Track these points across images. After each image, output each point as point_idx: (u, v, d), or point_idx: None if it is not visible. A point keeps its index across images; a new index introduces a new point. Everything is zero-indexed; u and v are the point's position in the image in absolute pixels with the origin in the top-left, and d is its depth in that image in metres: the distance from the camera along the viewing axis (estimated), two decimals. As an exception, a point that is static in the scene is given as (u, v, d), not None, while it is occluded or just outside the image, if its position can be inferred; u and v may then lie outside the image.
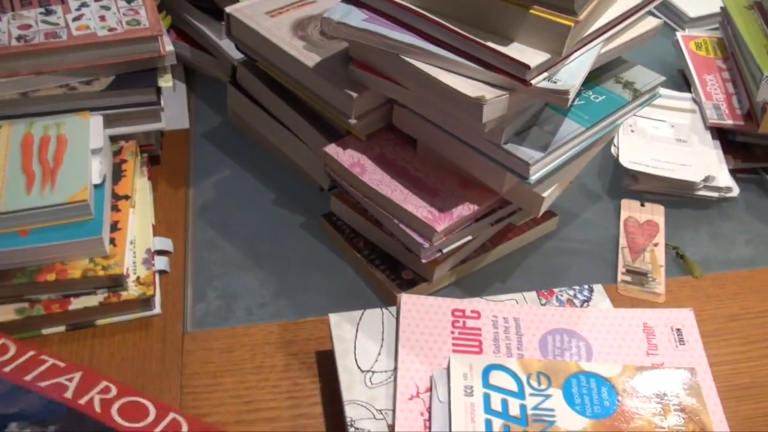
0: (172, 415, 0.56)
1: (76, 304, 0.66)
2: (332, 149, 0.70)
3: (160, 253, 0.73)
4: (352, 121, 0.69)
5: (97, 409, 0.56)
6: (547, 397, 0.54)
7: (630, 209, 0.82)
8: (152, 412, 0.56)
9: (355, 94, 0.68)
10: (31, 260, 0.66)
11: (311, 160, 0.79)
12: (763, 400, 0.65)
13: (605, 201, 0.84)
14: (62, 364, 0.60)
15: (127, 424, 0.55)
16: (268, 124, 0.82)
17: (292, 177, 0.84)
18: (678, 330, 0.61)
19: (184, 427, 0.55)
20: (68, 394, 0.57)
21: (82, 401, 0.56)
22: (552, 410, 0.53)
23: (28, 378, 0.58)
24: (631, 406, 0.54)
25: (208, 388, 0.63)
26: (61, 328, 0.67)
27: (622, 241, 0.78)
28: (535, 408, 0.53)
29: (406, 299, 0.62)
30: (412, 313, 0.61)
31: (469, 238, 0.69)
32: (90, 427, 0.54)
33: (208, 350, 0.66)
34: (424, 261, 0.66)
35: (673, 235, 0.80)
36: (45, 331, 0.67)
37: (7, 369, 0.59)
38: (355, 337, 0.61)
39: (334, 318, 0.62)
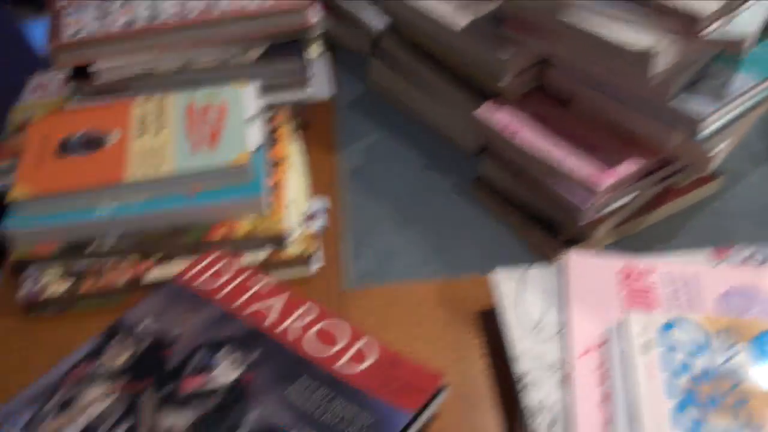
0: (364, 340, 0.58)
1: (242, 260, 0.68)
2: (483, 112, 0.69)
3: (316, 214, 0.74)
4: (504, 82, 0.68)
5: (290, 337, 0.58)
6: (734, 354, 0.51)
7: (802, 169, 0.76)
8: (345, 333, 0.58)
9: (506, 56, 0.67)
10: (199, 220, 0.68)
11: (459, 126, 0.78)
12: None
13: (772, 161, 0.79)
14: (272, 286, 0.63)
15: (317, 355, 0.56)
16: (413, 91, 0.82)
17: (439, 142, 0.83)
18: None
19: (374, 354, 0.57)
20: (268, 321, 0.59)
21: (279, 329, 0.59)
22: (740, 368, 0.50)
23: (235, 304, 0.61)
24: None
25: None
26: (227, 285, 0.69)
27: (795, 202, 0.73)
28: (722, 365, 0.51)
29: (573, 256, 0.60)
30: (580, 269, 0.59)
31: (631, 197, 0.66)
32: (286, 355, 0.57)
33: (367, 307, 0.67)
34: (583, 223, 0.64)
35: None
36: (213, 287, 0.69)
37: (218, 296, 0.62)
38: (521, 293, 0.60)
39: (497, 274, 0.62)
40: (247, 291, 0.62)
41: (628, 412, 0.49)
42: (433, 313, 0.66)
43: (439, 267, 0.70)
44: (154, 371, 0.57)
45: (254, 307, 0.61)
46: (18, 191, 0.67)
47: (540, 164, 0.66)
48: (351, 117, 0.89)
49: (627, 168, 0.63)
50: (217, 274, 0.64)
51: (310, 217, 0.72)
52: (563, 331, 0.56)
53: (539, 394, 0.53)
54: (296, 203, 0.73)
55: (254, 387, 0.54)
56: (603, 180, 0.62)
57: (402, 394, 0.53)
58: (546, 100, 0.71)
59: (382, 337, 0.64)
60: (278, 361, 0.56)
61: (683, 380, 0.50)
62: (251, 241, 0.68)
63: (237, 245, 0.68)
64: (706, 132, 0.61)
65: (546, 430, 0.51)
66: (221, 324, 0.59)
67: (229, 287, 0.63)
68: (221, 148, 0.69)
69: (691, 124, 0.61)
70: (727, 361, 0.51)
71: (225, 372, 0.56)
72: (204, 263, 0.65)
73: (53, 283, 0.67)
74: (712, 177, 0.74)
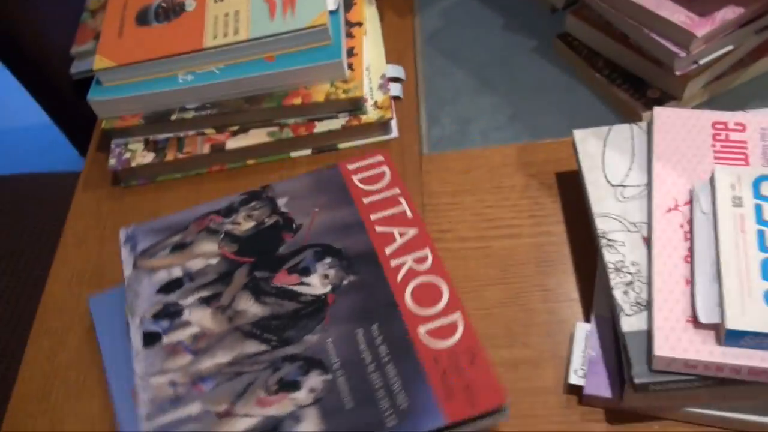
0: (457, 314, 0.52)
1: (321, 127, 0.68)
2: (573, -42, 0.65)
3: (394, 80, 0.73)
4: None
5: (399, 278, 0.54)
6: (831, 210, 0.49)
7: None
8: (444, 299, 0.53)
9: None
10: (278, 85, 0.68)
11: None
12: None
13: None
14: (409, 215, 0.58)
15: (408, 309, 0.53)
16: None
17: (520, 1, 0.79)
18: None
19: (457, 335, 0.51)
20: (389, 249, 0.56)
21: (393, 263, 0.55)
22: (838, 222, 0.48)
23: (374, 217, 0.58)
24: None
25: (448, 206, 0.64)
26: (308, 151, 0.70)
27: None
28: (816, 220, 0.48)
29: (660, 111, 0.57)
30: (668, 125, 0.57)
31: (730, 48, 0.62)
32: (381, 293, 0.54)
33: (446, 171, 0.67)
34: (678, 73, 0.61)
35: None
36: (293, 154, 0.70)
37: (364, 200, 0.59)
38: (603, 152, 0.58)
39: (579, 134, 0.60)
40: (390, 208, 0.58)
41: (715, 268, 0.48)
42: (511, 178, 0.65)
43: (518, 132, 0.69)
44: (263, 251, 0.57)
45: (386, 228, 0.57)
46: (101, 62, 0.68)
47: (632, 12, 0.62)
48: (429, -22, 0.85)
49: (728, 13, 0.59)
50: (375, 179, 0.61)
51: (388, 83, 0.71)
52: (649, 188, 0.55)
53: (620, 252, 0.52)
54: (374, 68, 0.72)
55: (332, 310, 0.53)
56: (701, 26, 0.58)
57: (454, 397, 0.48)
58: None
59: (460, 202, 0.64)
60: (369, 296, 0.54)
61: (774, 236, 0.48)
62: (330, 106, 0.68)
63: (316, 110, 0.69)
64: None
65: (623, 288, 0.50)
66: (348, 232, 0.57)
67: (377, 197, 0.59)
68: (299, 10, 0.68)
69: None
70: (823, 216, 0.48)
71: (316, 283, 0.55)
72: (368, 161, 0.62)
73: (139, 154, 0.70)
74: (821, 27, 0.68)
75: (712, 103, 0.67)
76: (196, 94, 0.68)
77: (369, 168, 0.62)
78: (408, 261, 0.55)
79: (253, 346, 0.52)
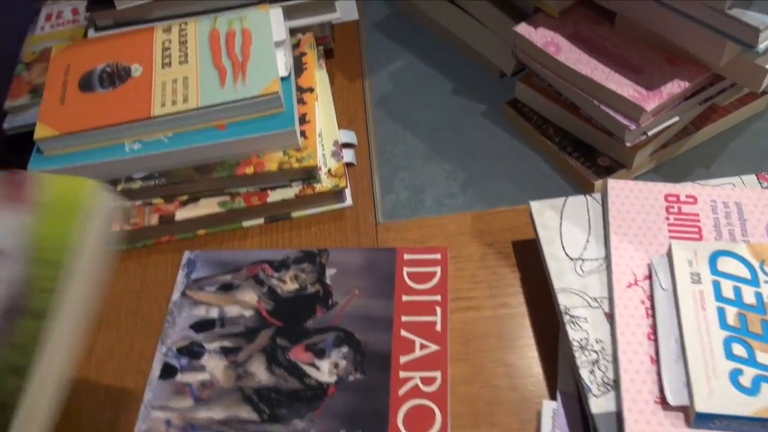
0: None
1: (274, 196, 0.67)
2: (524, 29, 0.66)
3: (346, 145, 0.73)
4: (547, -3, 0.65)
5: (401, 392, 0.54)
6: (785, 284, 0.50)
7: None
8: (435, 429, 0.52)
9: (550, -32, 0.63)
10: (229, 154, 0.67)
11: (492, 45, 0.75)
12: None
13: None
14: (438, 329, 0.57)
15: (402, 428, 0.52)
16: (445, 10, 0.78)
17: (469, 65, 0.80)
18: None
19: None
20: (405, 359, 0.55)
21: (402, 375, 0.54)
22: (791, 298, 0.49)
23: (405, 318, 0.58)
24: None
25: (406, 277, 0.63)
26: (260, 221, 0.69)
27: (844, 120, 0.70)
28: (771, 296, 0.50)
29: (614, 184, 0.58)
30: (621, 198, 0.58)
31: (676, 119, 0.64)
32: (378, 403, 0.53)
33: (402, 240, 0.66)
34: (629, 144, 0.62)
35: None
36: (246, 224, 0.69)
37: (405, 297, 0.59)
38: (560, 225, 0.58)
39: (535, 205, 0.60)
40: (424, 315, 0.58)
41: (678, 345, 0.48)
42: (468, 248, 0.65)
43: (471, 199, 0.69)
44: (293, 318, 0.58)
45: (411, 336, 0.56)
46: (42, 130, 0.65)
47: (582, 84, 0.63)
48: (378, 40, 0.86)
49: (674, 87, 0.61)
50: (425, 277, 0.60)
51: (341, 149, 0.70)
52: (608, 262, 0.55)
53: (583, 329, 0.52)
54: (326, 134, 0.71)
55: (327, 403, 0.53)
56: (650, 100, 0.60)
57: None
58: (589, 16, 0.68)
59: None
60: (366, 401, 0.53)
61: (733, 312, 0.49)
62: (283, 176, 0.67)
63: (269, 179, 0.67)
64: (765, 44, 0.58)
65: (589, 367, 0.50)
66: (375, 326, 0.57)
67: (417, 298, 0.59)
68: (250, 77, 0.67)
69: (749, 36, 0.57)
70: (777, 292, 0.50)
71: (325, 369, 0.55)
72: (426, 256, 0.61)
73: (85, 222, 0.67)
74: (755, 95, 0.71)
75: (659, 169, 0.69)
76: (143, 164, 0.66)
77: (424, 264, 0.61)
78: (416, 378, 0.54)
79: (246, 412, 0.53)
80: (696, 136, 0.69)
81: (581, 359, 0.51)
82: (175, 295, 0.61)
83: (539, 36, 0.66)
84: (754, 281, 0.50)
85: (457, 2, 0.77)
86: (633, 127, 0.60)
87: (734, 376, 0.46)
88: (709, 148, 0.70)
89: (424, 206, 0.69)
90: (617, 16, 0.66)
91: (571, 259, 0.56)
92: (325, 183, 0.67)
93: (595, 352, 0.51)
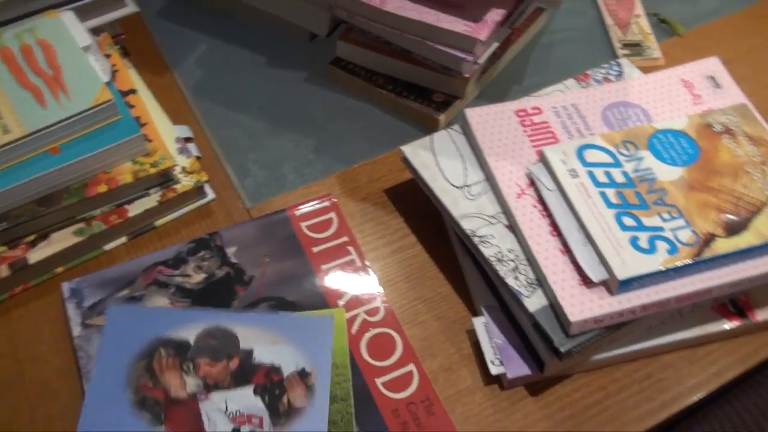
0: (411, 366, 0.55)
1: (135, 209, 0.63)
2: (342, -13, 0.68)
3: (187, 141, 0.69)
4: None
5: (354, 330, 0.56)
6: (640, 159, 0.59)
7: (602, -11, 0.85)
8: (398, 351, 0.55)
9: None
10: (73, 177, 0.61)
11: (301, 11, 0.75)
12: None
13: (575, -12, 0.87)
14: (359, 264, 0.60)
15: (370, 360, 0.54)
16: (239, -16, 0.77)
17: (272, 36, 0.80)
18: (711, 77, 0.67)
19: (415, 381, 0.54)
20: (341, 302, 0.57)
21: (347, 316, 0.56)
22: (649, 169, 0.58)
23: (323, 267, 0.59)
24: (709, 147, 0.60)
25: (300, 251, 0.63)
26: (123, 240, 0.64)
27: (608, 20, 0.82)
28: (635, 171, 0.58)
29: (471, 113, 0.63)
30: (482, 123, 0.63)
31: (496, 44, 0.70)
32: None
33: (281, 218, 0.65)
34: (467, 75, 0.67)
35: (648, 3, 0.84)
36: (108, 247, 0.63)
37: (314, 249, 0.59)
38: (436, 161, 0.62)
39: (408, 149, 0.63)
40: (340, 258, 0.59)
41: (580, 232, 0.55)
42: (346, 207, 0.66)
43: (329, 162, 0.70)
44: (217, 306, 0.56)
45: (337, 279, 0.57)
46: None
47: (413, 29, 0.67)
48: (169, 29, 0.82)
49: (495, 16, 0.66)
50: (323, 226, 0.60)
51: (185, 144, 0.67)
52: (491, 182, 0.60)
53: (493, 245, 0.56)
54: (165, 134, 0.67)
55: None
56: (481, 31, 0.65)
57: None
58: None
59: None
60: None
61: (612, 192, 0.56)
62: (139, 185, 0.63)
63: (125, 193, 0.62)
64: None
65: (512, 274, 0.55)
66: (300, 283, 0.57)
67: (327, 245, 0.60)
68: (73, 91, 0.61)
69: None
70: (637, 167, 0.58)
71: None
72: (315, 205, 0.62)
73: None
74: (539, 12, 0.80)
75: (483, 95, 0.75)
76: (-24, 212, 0.58)
77: (317, 214, 0.62)
78: (361, 312, 0.55)
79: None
80: (504, 59, 0.77)
81: (503, 270, 0.55)
82: (76, 330, 0.56)
83: (360, -10, 0.68)
84: (617, 163, 0.58)
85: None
86: (469, 58, 0.65)
87: (634, 242, 0.53)
88: (515, 66, 0.78)
89: (287, 180, 0.69)
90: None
91: (458, 187, 0.60)
92: (186, 181, 0.64)
93: (512, 260, 0.56)
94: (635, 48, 0.79)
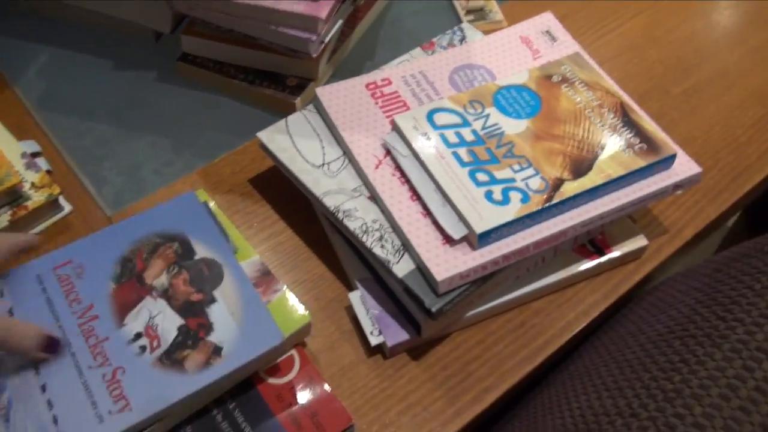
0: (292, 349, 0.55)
1: (-17, 232, 0.59)
2: (176, -19, 0.66)
3: (35, 155, 0.66)
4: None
5: None
6: (487, 116, 0.60)
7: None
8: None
9: None
10: None
11: (141, 10, 0.73)
12: (611, 71, 0.77)
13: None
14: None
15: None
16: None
17: (116, 39, 0.78)
18: (547, 32, 0.70)
19: (297, 364, 0.54)
20: None
21: None
22: (496, 124, 0.60)
23: None
24: (549, 97, 0.62)
25: (168, 253, 0.62)
26: (-24, 267, 0.60)
27: (451, -11, 0.84)
28: (483, 128, 0.60)
29: (322, 91, 0.63)
30: (334, 100, 0.63)
31: (341, 22, 0.70)
32: None
33: (144, 221, 0.64)
34: (314, 55, 0.67)
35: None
36: (-40, 276, 0.60)
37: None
38: (293, 143, 0.62)
39: (263, 135, 0.63)
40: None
41: (438, 194, 0.56)
42: (211, 202, 0.65)
43: (189, 159, 0.69)
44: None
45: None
46: None
47: (254, 13, 0.66)
48: (1, 46, 0.78)
49: (333, -5, 0.67)
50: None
51: (32, 159, 0.64)
52: (349, 156, 0.61)
53: (358, 218, 0.57)
54: (9, 151, 0.64)
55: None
56: (321, 9, 0.65)
57: (304, 428, 0.50)
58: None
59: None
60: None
61: (464, 151, 0.58)
62: (-15, 207, 0.59)
63: (-32, 218, 0.59)
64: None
65: (379, 243, 0.56)
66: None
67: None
68: None
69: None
70: (485, 124, 0.60)
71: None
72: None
73: None
74: (383, -11, 0.81)
75: (337, 74, 0.76)
76: None
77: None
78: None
79: None
80: (353, 37, 0.77)
81: (369, 241, 0.56)
82: None
83: (194, -17, 0.66)
84: (466, 123, 0.60)
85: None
86: (314, 38, 0.66)
87: (488, 196, 0.55)
88: (365, 43, 0.79)
89: (147, 183, 0.67)
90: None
91: (317, 166, 0.61)
92: (37, 197, 0.62)
93: (377, 230, 0.56)
94: (479, 13, 0.81)
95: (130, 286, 0.53)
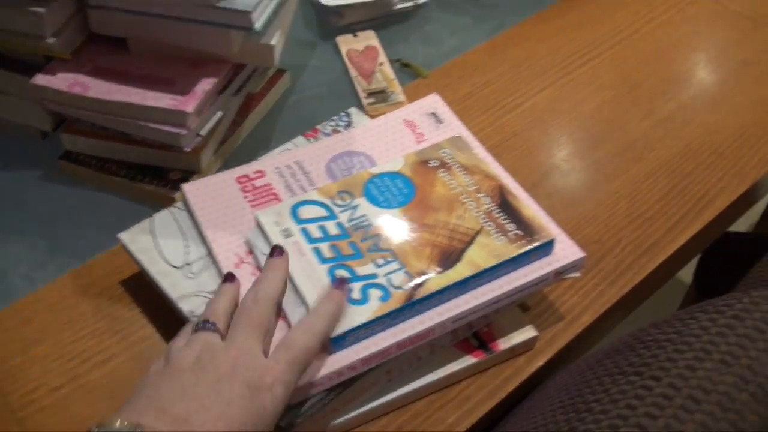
0: None
1: None
2: (42, 79, 0.65)
3: None
4: (50, 40, 0.64)
5: None
6: (355, 207, 0.57)
7: (346, 43, 0.86)
8: None
9: (42, 9, 0.62)
10: None
11: (21, 109, 0.71)
12: (516, 148, 0.74)
13: (322, 45, 0.87)
14: None
15: None
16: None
17: (3, 136, 0.75)
18: (433, 113, 0.67)
19: None
20: None
21: None
22: (363, 216, 0.57)
23: None
24: (424, 183, 0.59)
25: (23, 365, 0.58)
26: None
27: (353, 72, 0.82)
28: (349, 220, 0.56)
29: (188, 187, 0.61)
30: (200, 196, 0.60)
31: (220, 113, 0.68)
32: None
33: (3, 332, 0.60)
34: (188, 150, 0.65)
35: (391, 50, 0.85)
36: None
37: None
38: (155, 243, 0.59)
39: (125, 236, 0.60)
40: None
41: (296, 295, 0.52)
42: (78, 308, 0.61)
43: (64, 261, 0.65)
44: None
45: None
46: None
47: (122, 112, 0.64)
48: None
49: (205, 85, 0.65)
50: None
51: None
52: (211, 256, 0.57)
53: (213, 321, 0.53)
54: None
55: None
56: (188, 103, 0.63)
57: None
58: (103, 49, 0.68)
59: (35, 355, 0.59)
60: None
61: (326, 246, 0.54)
62: None
63: None
64: (260, 22, 0.64)
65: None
66: None
67: None
68: None
69: (244, 19, 0.63)
70: (352, 216, 0.57)
71: None
72: None
73: None
74: (281, 72, 0.79)
75: (228, 165, 0.73)
76: None
77: None
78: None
79: None
80: (246, 125, 0.75)
81: (222, 349, 0.52)
82: None
83: (61, 81, 0.65)
84: (332, 216, 0.57)
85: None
86: (184, 132, 0.63)
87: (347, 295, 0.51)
88: (261, 131, 0.77)
89: (15, 288, 0.64)
90: (128, 40, 0.68)
91: (178, 267, 0.57)
92: None
93: (232, 336, 0.52)
94: (380, 95, 0.79)
95: None
